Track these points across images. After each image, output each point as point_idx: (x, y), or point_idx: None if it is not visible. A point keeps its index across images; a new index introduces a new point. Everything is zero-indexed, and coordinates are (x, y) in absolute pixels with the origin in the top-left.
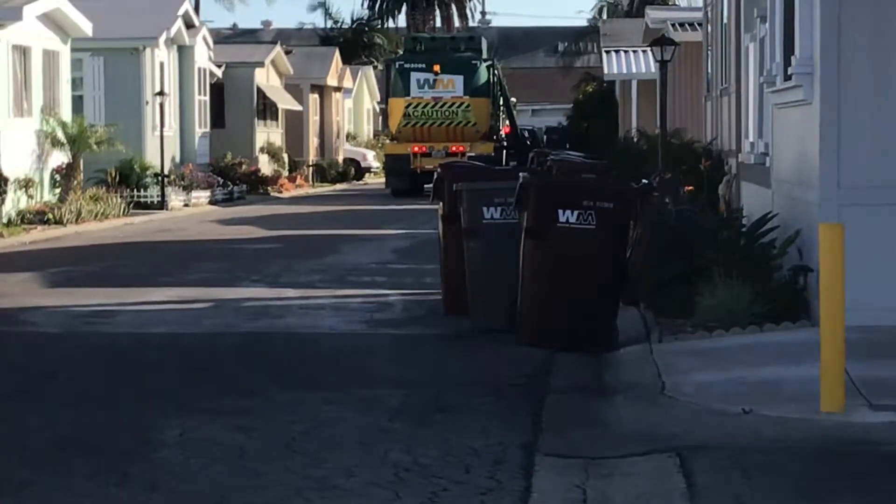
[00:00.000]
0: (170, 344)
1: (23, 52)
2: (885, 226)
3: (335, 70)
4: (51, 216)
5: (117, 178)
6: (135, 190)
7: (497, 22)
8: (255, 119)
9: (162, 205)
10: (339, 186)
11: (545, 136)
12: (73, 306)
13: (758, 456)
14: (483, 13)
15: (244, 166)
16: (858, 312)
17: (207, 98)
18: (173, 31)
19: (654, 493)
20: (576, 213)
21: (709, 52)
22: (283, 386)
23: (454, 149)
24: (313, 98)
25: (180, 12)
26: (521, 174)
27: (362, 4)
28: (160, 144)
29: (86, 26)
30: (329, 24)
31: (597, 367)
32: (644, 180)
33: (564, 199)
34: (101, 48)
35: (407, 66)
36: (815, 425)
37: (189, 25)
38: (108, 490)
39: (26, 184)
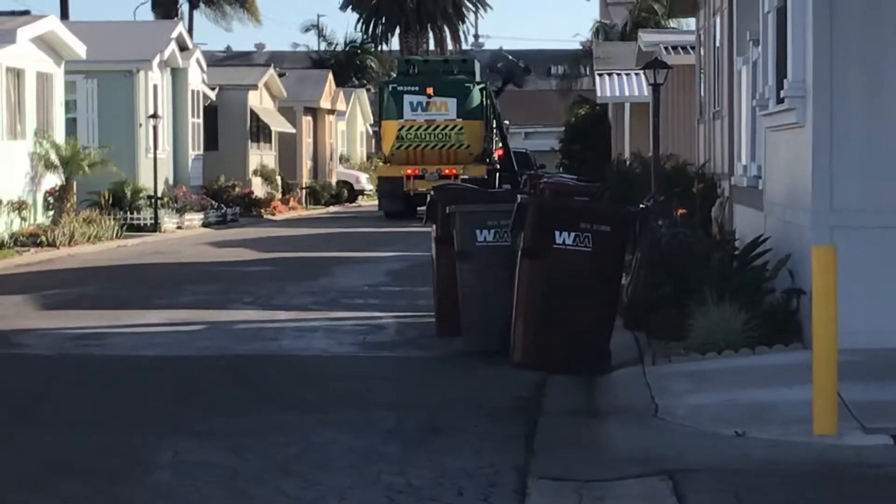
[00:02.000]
0: (162, 366)
1: (16, 75)
2: (877, 248)
3: (328, 93)
4: (44, 238)
5: (110, 200)
6: (128, 212)
7: (490, 45)
8: (249, 141)
9: (155, 227)
10: (332, 209)
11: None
12: (65, 329)
13: (750, 478)
14: (476, 36)
15: (237, 189)
16: (851, 335)
17: (201, 120)
18: (167, 53)
19: None
20: (572, 234)
21: (701, 75)
22: (275, 408)
23: (447, 171)
24: (306, 120)
25: (174, 35)
26: (518, 195)
27: (356, 27)
28: (153, 167)
29: (79, 49)
30: (323, 45)
31: (590, 390)
32: (641, 204)
33: (561, 220)
34: (94, 70)
35: (400, 88)
36: (808, 448)
37: (183, 48)
38: None
39: (19, 206)
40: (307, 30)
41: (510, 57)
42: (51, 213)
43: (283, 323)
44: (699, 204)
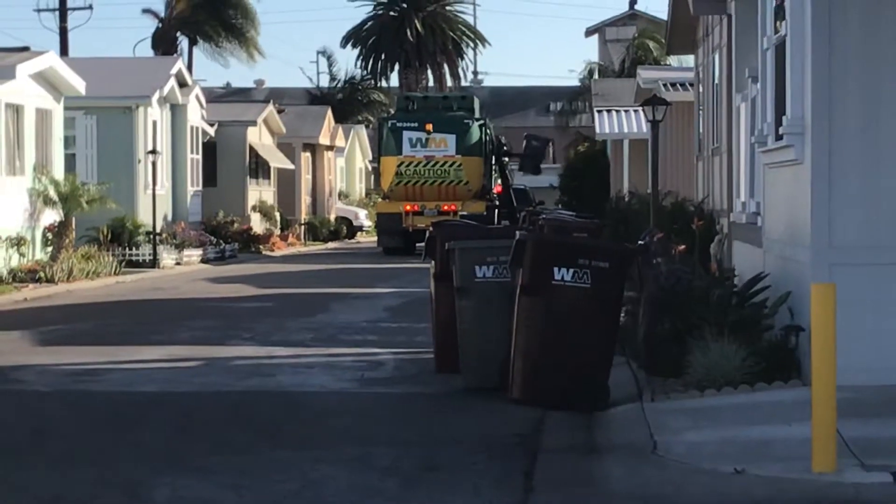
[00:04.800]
0: (161, 402)
1: (15, 111)
2: (876, 285)
3: (327, 129)
4: (42, 274)
5: (109, 236)
6: (127, 248)
7: (489, 81)
8: (248, 177)
9: (154, 263)
10: (330, 245)
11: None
12: (63, 364)
13: None
14: (475, 73)
15: (236, 224)
16: (850, 372)
17: (200, 156)
18: (166, 89)
19: None
20: (571, 270)
21: (700, 112)
22: (273, 444)
23: (446, 207)
24: (305, 157)
25: (173, 71)
26: (517, 232)
27: (356, 63)
28: (152, 203)
29: (79, 85)
30: (325, 81)
31: (588, 426)
32: (639, 241)
33: (560, 256)
34: (94, 107)
35: (399, 124)
36: (807, 485)
37: (182, 84)
38: None
39: (18, 242)
40: (314, 59)
41: (540, 137)
42: (49, 249)
43: (281, 359)
44: (698, 240)
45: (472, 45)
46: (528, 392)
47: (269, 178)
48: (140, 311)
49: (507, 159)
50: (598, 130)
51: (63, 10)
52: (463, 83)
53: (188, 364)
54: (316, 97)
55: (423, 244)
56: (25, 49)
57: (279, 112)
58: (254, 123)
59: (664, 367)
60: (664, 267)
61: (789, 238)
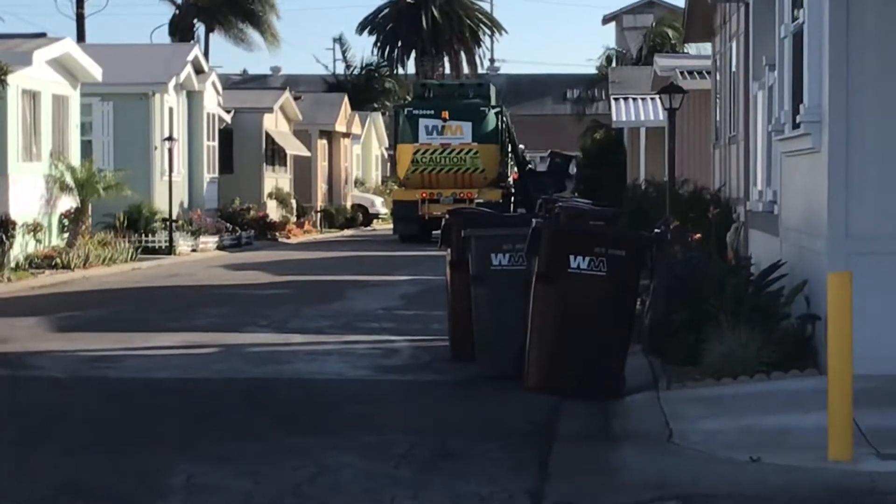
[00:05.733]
0: (176, 389)
1: (32, 97)
2: (893, 275)
3: (344, 116)
4: (59, 261)
5: (125, 222)
6: (143, 235)
7: (506, 69)
8: (264, 164)
9: (170, 250)
10: (347, 232)
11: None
12: (79, 351)
13: None
14: (492, 60)
15: (252, 212)
16: (867, 361)
17: (216, 143)
18: (183, 76)
19: None
20: (587, 259)
21: (717, 100)
22: (289, 431)
23: (462, 195)
24: (322, 144)
25: (190, 58)
26: (533, 220)
27: (372, 51)
28: (168, 189)
29: (95, 71)
30: (341, 67)
31: (604, 415)
32: (656, 229)
33: (576, 245)
34: (110, 93)
35: (416, 112)
36: (823, 474)
37: (198, 71)
38: None
39: (34, 228)
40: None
41: (563, 154)
42: (66, 235)
43: (297, 346)
44: (714, 229)
45: (488, 32)
46: (543, 380)
47: (285, 165)
48: (156, 298)
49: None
50: (614, 118)
51: None
52: (479, 71)
53: (204, 351)
54: (332, 84)
55: (438, 232)
56: (42, 35)
57: (295, 99)
58: (270, 110)
59: (680, 355)
60: (680, 255)
61: (806, 227)
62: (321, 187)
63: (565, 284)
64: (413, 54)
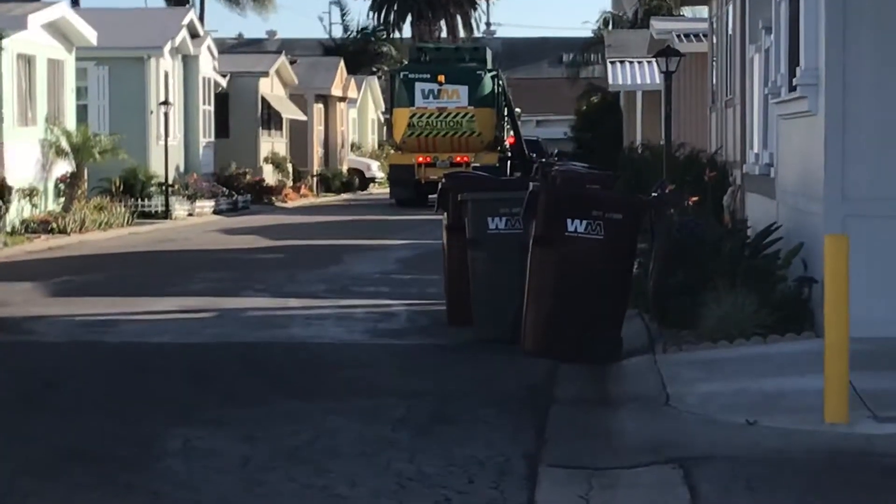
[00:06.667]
0: (173, 353)
1: (27, 61)
2: (890, 237)
3: (340, 80)
4: (55, 225)
5: (121, 187)
6: (139, 199)
7: (502, 32)
8: (260, 129)
9: (166, 214)
10: (343, 196)
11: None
12: (75, 315)
13: (761, 467)
14: (488, 24)
15: (248, 176)
16: (863, 324)
17: (212, 108)
18: (178, 40)
19: None
20: (584, 222)
21: (714, 63)
22: (286, 395)
23: (459, 159)
24: (318, 108)
25: (185, 22)
26: (530, 183)
27: (368, 15)
28: (164, 154)
29: (91, 35)
30: (339, 31)
31: (601, 378)
32: (653, 193)
33: (573, 208)
34: (105, 57)
35: (411, 76)
36: (820, 436)
37: (194, 35)
38: (111, 500)
39: (30, 193)
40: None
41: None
42: (62, 199)
43: (294, 310)
44: (711, 192)
45: None
46: (540, 344)
47: (281, 129)
48: (152, 263)
49: (519, 110)
50: (611, 82)
51: None
52: (475, 34)
53: (201, 315)
54: (328, 48)
55: (435, 196)
56: None
57: (291, 63)
58: (266, 74)
59: (677, 318)
60: (676, 218)
61: (802, 189)
62: (317, 151)
63: (562, 248)
64: (409, 18)
